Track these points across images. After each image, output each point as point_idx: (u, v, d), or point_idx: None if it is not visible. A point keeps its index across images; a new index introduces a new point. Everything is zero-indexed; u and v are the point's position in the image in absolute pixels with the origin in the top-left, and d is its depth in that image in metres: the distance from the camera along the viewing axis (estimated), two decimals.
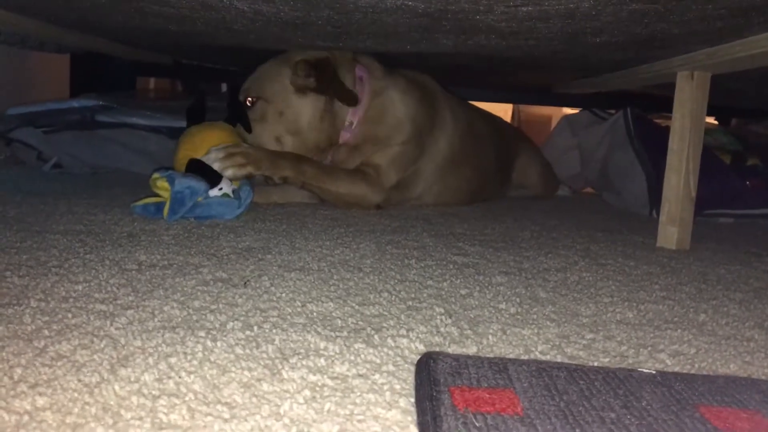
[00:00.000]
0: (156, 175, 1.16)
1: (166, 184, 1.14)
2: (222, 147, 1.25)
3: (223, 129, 1.32)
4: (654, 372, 0.56)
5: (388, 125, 1.49)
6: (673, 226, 1.27)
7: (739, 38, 1.08)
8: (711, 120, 2.71)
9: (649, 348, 0.67)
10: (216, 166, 1.22)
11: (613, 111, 2.12)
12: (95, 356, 0.54)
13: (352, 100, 1.42)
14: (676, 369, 0.61)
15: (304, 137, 1.43)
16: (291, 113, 1.41)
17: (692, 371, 0.61)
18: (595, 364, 0.61)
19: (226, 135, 1.30)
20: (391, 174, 1.50)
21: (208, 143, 1.26)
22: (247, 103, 1.41)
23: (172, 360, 0.54)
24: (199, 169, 1.20)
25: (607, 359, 0.63)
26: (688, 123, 1.25)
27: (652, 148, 1.85)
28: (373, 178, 1.47)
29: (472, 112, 1.82)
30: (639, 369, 0.57)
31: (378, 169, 1.48)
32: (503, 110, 3.46)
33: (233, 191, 1.23)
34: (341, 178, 1.42)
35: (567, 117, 2.32)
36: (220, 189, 1.21)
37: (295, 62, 1.40)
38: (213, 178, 1.20)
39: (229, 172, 1.23)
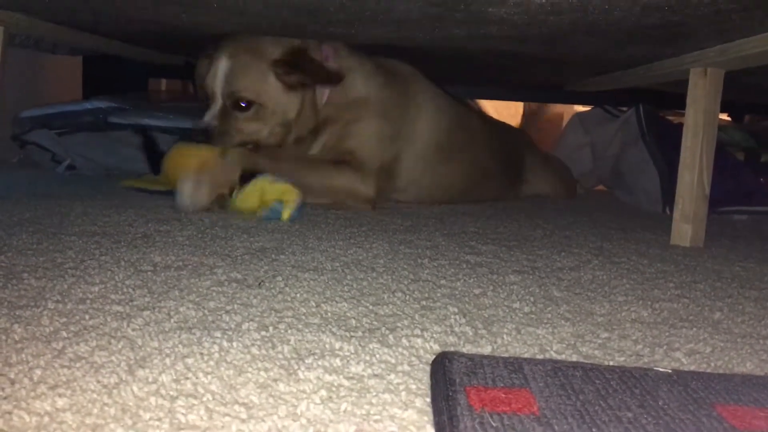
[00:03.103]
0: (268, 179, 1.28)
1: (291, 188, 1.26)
2: (188, 179, 1.27)
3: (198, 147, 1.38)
4: (670, 371, 0.56)
5: (351, 103, 1.50)
6: (686, 224, 1.26)
7: (752, 34, 1.07)
8: (724, 116, 2.68)
9: (665, 347, 0.66)
10: (189, 202, 1.26)
11: (625, 108, 2.11)
12: (113, 357, 0.54)
13: (335, 78, 1.44)
14: (692, 368, 0.61)
15: (294, 126, 1.46)
16: (282, 110, 1.44)
17: (708, 370, 0.61)
18: (611, 363, 0.61)
19: (204, 151, 1.36)
20: (366, 153, 1.50)
21: (190, 161, 1.32)
22: (240, 105, 1.41)
23: (189, 361, 0.55)
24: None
25: (622, 358, 0.62)
26: (701, 120, 1.24)
27: (665, 145, 1.84)
28: (355, 163, 1.47)
29: (463, 107, 1.81)
30: (655, 368, 0.57)
31: (353, 154, 1.49)
32: (514, 110, 3.43)
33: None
34: (325, 169, 1.44)
35: (579, 114, 2.31)
36: None
37: (274, 61, 1.41)
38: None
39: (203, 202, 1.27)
